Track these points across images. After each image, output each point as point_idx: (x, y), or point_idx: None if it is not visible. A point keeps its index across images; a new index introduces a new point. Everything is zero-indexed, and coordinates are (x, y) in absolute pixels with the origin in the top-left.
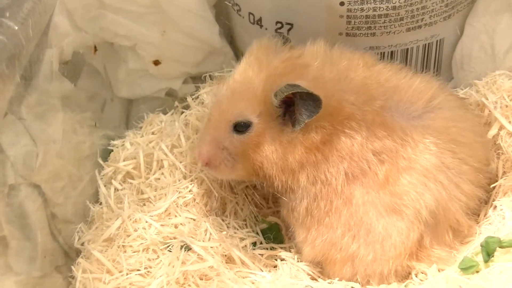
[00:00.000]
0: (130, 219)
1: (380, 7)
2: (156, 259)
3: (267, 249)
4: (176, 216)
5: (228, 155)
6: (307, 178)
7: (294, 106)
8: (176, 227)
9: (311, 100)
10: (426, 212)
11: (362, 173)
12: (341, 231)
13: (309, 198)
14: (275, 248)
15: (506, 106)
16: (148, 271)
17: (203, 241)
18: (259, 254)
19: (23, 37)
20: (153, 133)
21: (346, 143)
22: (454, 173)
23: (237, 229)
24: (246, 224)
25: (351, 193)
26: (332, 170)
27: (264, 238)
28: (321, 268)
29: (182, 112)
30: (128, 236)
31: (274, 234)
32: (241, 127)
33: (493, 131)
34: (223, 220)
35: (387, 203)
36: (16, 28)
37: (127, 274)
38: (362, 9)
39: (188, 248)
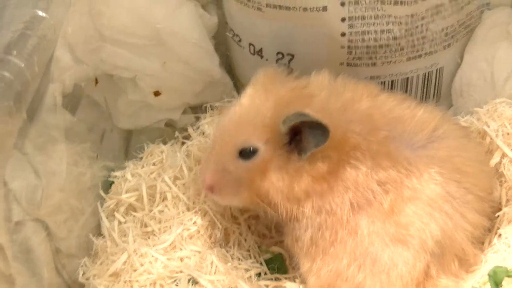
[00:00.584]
0: (136, 254)
1: (381, 38)
2: None
3: (271, 279)
4: (181, 249)
5: (232, 180)
6: (312, 208)
7: (302, 134)
8: (182, 260)
9: (319, 130)
10: (432, 242)
11: (367, 203)
12: (346, 261)
13: (313, 228)
14: (280, 279)
15: (508, 133)
16: None
17: (209, 274)
18: (265, 285)
19: (29, 74)
20: (154, 164)
21: (351, 174)
22: (459, 203)
23: (241, 260)
24: (250, 255)
25: (357, 223)
26: (337, 200)
27: (268, 269)
28: None
29: (183, 143)
30: (135, 271)
31: (278, 264)
32: (247, 154)
33: (495, 159)
34: (227, 251)
35: (393, 233)
36: (23, 65)
37: None
38: (363, 40)
39: (195, 282)
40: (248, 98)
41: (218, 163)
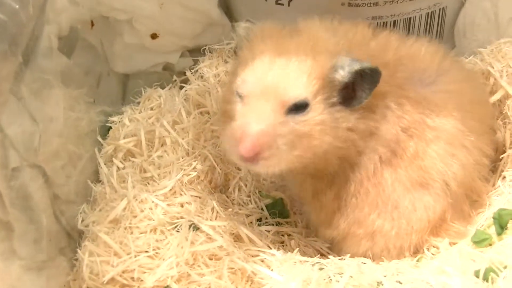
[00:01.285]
0: (136, 200)
1: None
2: (164, 240)
3: (273, 225)
4: (181, 194)
5: (283, 141)
6: (351, 164)
7: (354, 84)
8: (182, 206)
9: (372, 75)
10: (455, 184)
11: (393, 154)
12: (367, 210)
13: (341, 182)
14: (281, 224)
15: None
16: (156, 253)
17: (210, 220)
18: (266, 230)
19: (23, 15)
20: (151, 109)
21: (383, 126)
22: (476, 136)
23: (242, 206)
24: (250, 200)
25: (382, 175)
26: (370, 155)
27: (269, 214)
28: (331, 244)
29: (181, 87)
30: (135, 217)
31: (279, 209)
32: (298, 108)
33: (495, 97)
34: (227, 196)
35: (415, 178)
36: (17, 6)
37: (135, 256)
38: None
39: (196, 228)
40: (271, 52)
41: (260, 124)
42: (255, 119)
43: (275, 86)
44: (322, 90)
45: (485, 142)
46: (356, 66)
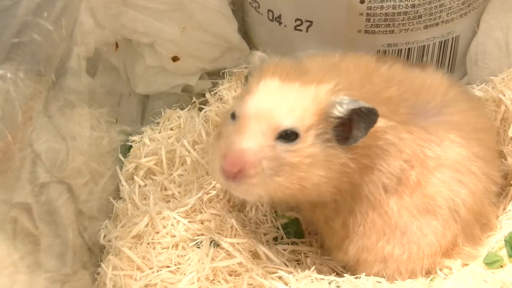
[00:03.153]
0: (158, 216)
1: (399, 5)
2: (185, 255)
3: (288, 244)
4: (201, 212)
5: (267, 166)
6: (351, 195)
7: (350, 122)
8: (202, 223)
9: (369, 115)
10: (464, 209)
11: (397, 183)
12: (375, 237)
13: (346, 212)
14: (297, 243)
15: None
16: (178, 268)
17: (229, 237)
18: (282, 249)
19: (57, 36)
20: (171, 129)
21: (384, 159)
22: (485, 162)
23: (259, 224)
24: (266, 219)
25: (388, 204)
26: (371, 186)
27: (285, 233)
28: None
29: (200, 108)
30: (157, 233)
31: (295, 229)
32: (288, 136)
33: None
34: (245, 215)
35: (420, 205)
36: (51, 28)
37: (157, 271)
38: (381, 7)
39: (216, 245)
40: (275, 85)
41: (247, 142)
42: (243, 137)
43: (269, 111)
44: (317, 125)
45: (494, 168)
46: (354, 105)
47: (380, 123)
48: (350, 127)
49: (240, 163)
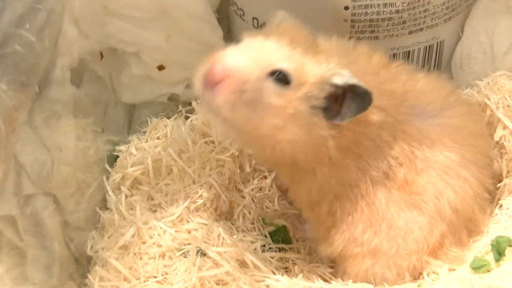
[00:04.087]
0: (145, 226)
1: (383, 11)
2: (172, 265)
3: (276, 251)
4: (188, 221)
5: (246, 95)
6: (331, 176)
7: (343, 98)
8: (189, 232)
9: (361, 98)
10: (450, 211)
11: (384, 176)
12: (362, 227)
13: (331, 197)
14: (285, 250)
15: (508, 106)
16: (165, 278)
17: (216, 246)
18: (270, 257)
19: (40, 47)
20: (158, 138)
21: (373, 151)
22: (477, 168)
23: (246, 232)
24: (254, 227)
25: (375, 194)
26: (359, 174)
27: (273, 241)
28: (333, 269)
29: (186, 117)
30: (144, 243)
31: (282, 236)
32: (281, 79)
33: (499, 133)
34: (232, 223)
35: (407, 199)
36: (34, 39)
37: (144, 281)
38: (366, 13)
39: (203, 254)
40: (285, 37)
41: (243, 62)
42: (238, 55)
43: (270, 50)
44: (312, 84)
45: (487, 175)
46: (353, 81)
47: (378, 116)
48: (341, 104)
49: (226, 73)
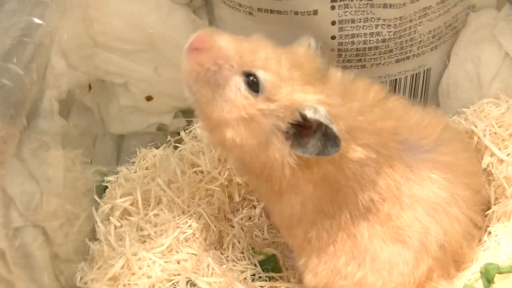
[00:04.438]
0: (134, 257)
1: (370, 40)
2: None
3: (266, 280)
4: (178, 252)
5: (208, 78)
6: (302, 203)
7: (310, 131)
8: (179, 263)
9: (331, 141)
10: (436, 247)
11: (367, 211)
12: (345, 259)
13: (307, 223)
14: (275, 279)
15: (495, 133)
16: None
17: (206, 276)
18: (260, 286)
19: (28, 81)
20: (147, 168)
21: (353, 187)
22: (468, 205)
23: (236, 262)
24: (244, 256)
25: (356, 227)
26: (335, 207)
27: (263, 270)
28: None
29: (175, 147)
30: (133, 274)
31: (272, 265)
32: (251, 84)
33: (486, 160)
34: (222, 253)
35: (391, 234)
36: (22, 73)
37: None
38: (352, 42)
39: (193, 285)
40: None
41: (224, 43)
42: (234, 39)
43: (264, 54)
44: (281, 108)
45: (477, 213)
46: (325, 121)
47: (361, 154)
48: (309, 139)
49: (207, 46)
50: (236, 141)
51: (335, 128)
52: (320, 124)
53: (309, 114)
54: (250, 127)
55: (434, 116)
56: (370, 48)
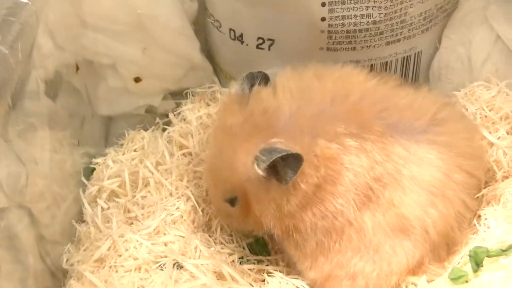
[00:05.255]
0: (121, 239)
1: (360, 22)
2: (148, 278)
3: (254, 263)
4: (165, 234)
5: (229, 216)
6: (314, 215)
7: (277, 166)
8: (166, 245)
9: (292, 158)
10: (434, 231)
11: (368, 199)
12: (351, 254)
13: (319, 233)
14: (263, 261)
15: (486, 116)
16: None
17: (193, 258)
18: (248, 269)
19: (13, 60)
20: (135, 150)
21: (349, 177)
22: (461, 188)
23: (224, 245)
24: (232, 239)
25: (362, 219)
26: (340, 201)
27: (251, 253)
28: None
29: (164, 129)
30: (120, 256)
31: (261, 248)
32: (231, 202)
33: None
34: (210, 236)
35: (394, 224)
36: (7, 52)
37: None
38: (343, 24)
39: (180, 267)
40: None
41: (217, 206)
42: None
43: (212, 180)
44: (250, 179)
45: (470, 195)
46: (270, 158)
47: (339, 144)
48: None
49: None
50: (269, 216)
51: (283, 150)
52: (270, 164)
53: (260, 167)
54: (260, 206)
55: (427, 97)
56: (360, 30)
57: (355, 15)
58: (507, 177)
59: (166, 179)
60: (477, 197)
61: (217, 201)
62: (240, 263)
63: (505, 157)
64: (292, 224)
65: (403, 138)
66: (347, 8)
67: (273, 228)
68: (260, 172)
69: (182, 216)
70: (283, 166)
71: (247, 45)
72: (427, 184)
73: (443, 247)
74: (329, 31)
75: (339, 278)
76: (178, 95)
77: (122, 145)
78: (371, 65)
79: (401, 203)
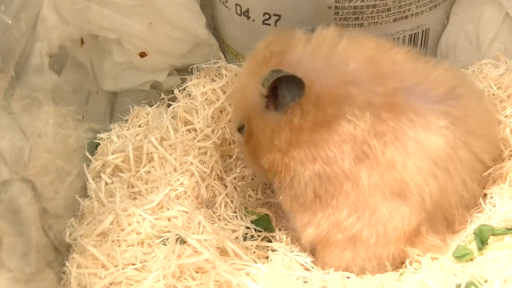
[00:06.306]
0: (124, 213)
1: None
2: (151, 253)
3: (258, 240)
4: (168, 209)
5: (243, 151)
6: (305, 156)
7: (278, 91)
8: (169, 220)
9: (294, 84)
10: (430, 201)
11: (365, 156)
12: (347, 212)
13: (314, 179)
14: (267, 239)
15: (493, 94)
16: (143, 265)
17: (197, 234)
18: (251, 245)
19: (16, 31)
20: (140, 126)
21: (348, 128)
22: (463, 167)
23: (228, 221)
24: (236, 216)
25: (359, 174)
26: (334, 149)
27: (255, 229)
28: (315, 258)
29: (169, 105)
30: (122, 230)
31: (265, 225)
32: (241, 130)
33: None
34: (214, 212)
35: (393, 187)
36: (10, 22)
37: (122, 268)
38: (350, 0)
39: (183, 242)
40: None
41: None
42: None
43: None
44: (255, 106)
45: (471, 176)
46: (273, 77)
47: (347, 92)
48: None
49: None
50: (261, 144)
51: (283, 72)
52: (276, 80)
53: (262, 87)
54: (257, 131)
55: (447, 69)
56: (367, 6)
57: None
58: None
59: (170, 155)
60: (482, 178)
61: (235, 132)
62: (244, 239)
63: None
64: (283, 162)
65: (417, 102)
66: None
67: (265, 162)
68: (264, 91)
69: (185, 192)
70: (283, 89)
71: (253, 20)
72: (431, 152)
73: (441, 220)
74: (336, 7)
75: (342, 246)
76: (183, 71)
77: (126, 120)
78: None
79: (403, 166)
